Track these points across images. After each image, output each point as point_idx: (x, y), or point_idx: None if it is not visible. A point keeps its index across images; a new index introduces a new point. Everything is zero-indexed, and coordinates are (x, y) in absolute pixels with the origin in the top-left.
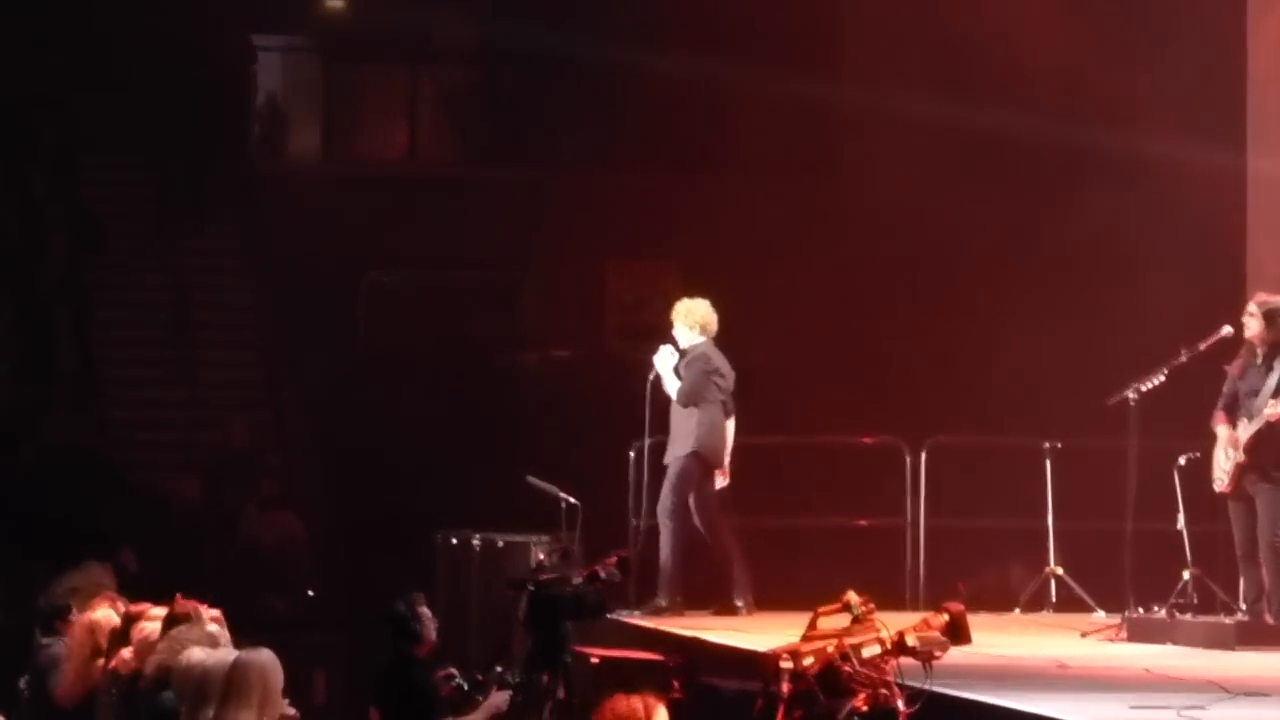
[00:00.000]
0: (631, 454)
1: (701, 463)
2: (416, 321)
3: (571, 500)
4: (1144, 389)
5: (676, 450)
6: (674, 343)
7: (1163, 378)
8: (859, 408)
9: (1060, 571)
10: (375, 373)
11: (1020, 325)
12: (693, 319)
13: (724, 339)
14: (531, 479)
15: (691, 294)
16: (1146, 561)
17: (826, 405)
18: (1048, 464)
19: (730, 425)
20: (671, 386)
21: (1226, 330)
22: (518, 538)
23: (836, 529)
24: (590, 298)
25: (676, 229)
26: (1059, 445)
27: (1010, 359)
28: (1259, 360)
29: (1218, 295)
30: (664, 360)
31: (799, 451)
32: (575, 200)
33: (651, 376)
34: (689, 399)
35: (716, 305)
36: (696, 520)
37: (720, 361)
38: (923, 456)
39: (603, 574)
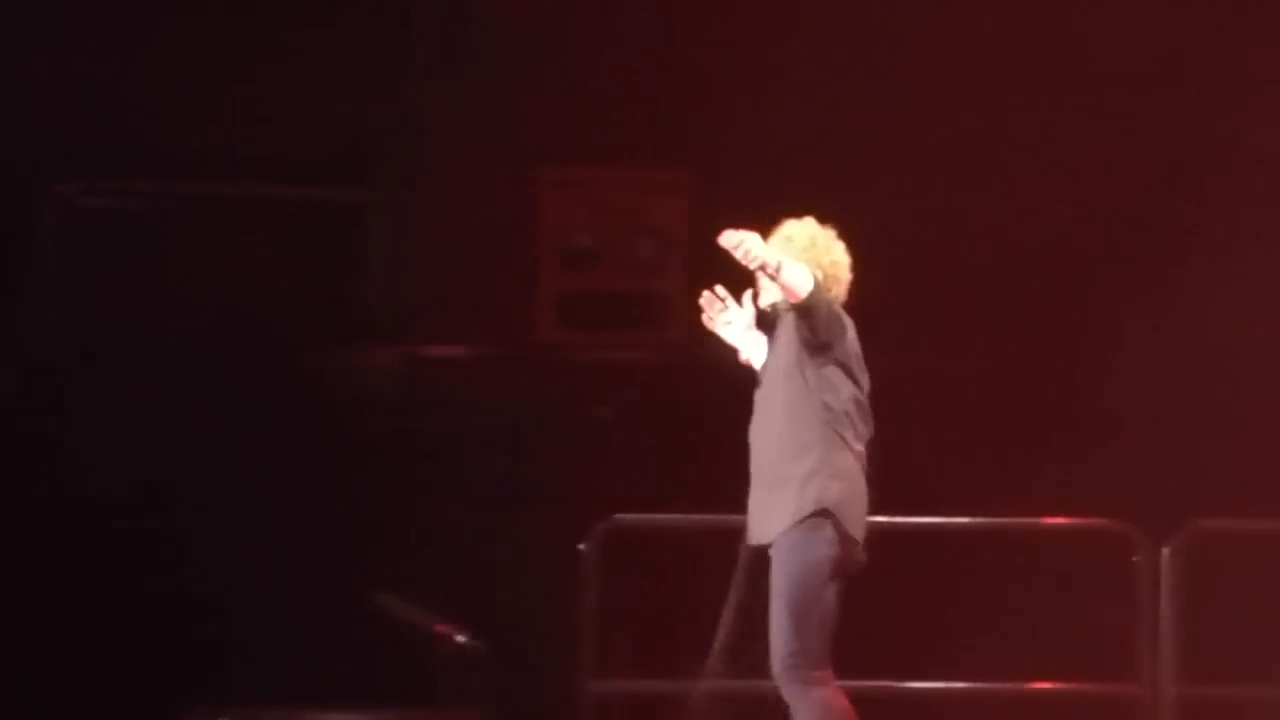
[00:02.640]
0: (582, 546)
1: (839, 534)
2: (158, 284)
3: (464, 639)
4: None
5: (786, 509)
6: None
7: None
8: (1048, 466)
9: None
10: (73, 385)
11: None
12: (818, 255)
13: None
14: (385, 600)
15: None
16: None
17: (979, 462)
18: None
19: None
20: (792, 284)
21: None
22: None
23: (1007, 698)
24: (506, 244)
25: (685, 108)
26: None
27: None
28: None
29: None
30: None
31: (930, 543)
32: (473, 49)
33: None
34: (826, 334)
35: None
36: None
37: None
38: (1163, 556)
39: None
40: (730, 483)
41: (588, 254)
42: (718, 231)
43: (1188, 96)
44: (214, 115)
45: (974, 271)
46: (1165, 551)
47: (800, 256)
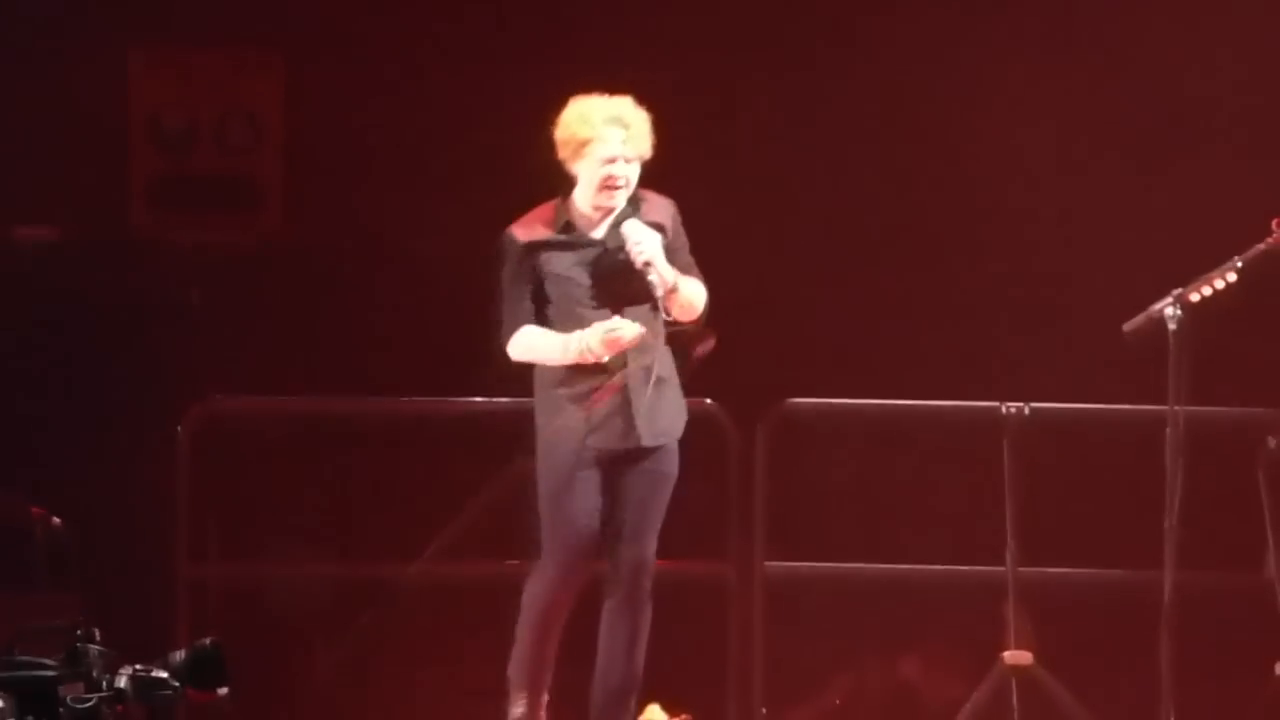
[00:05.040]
0: (180, 427)
1: None
2: None
3: (58, 521)
4: (1195, 298)
5: (673, 424)
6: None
7: (1231, 278)
8: None
9: (1029, 660)
10: None
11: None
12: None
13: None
14: None
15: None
16: (1208, 640)
17: None
18: (1005, 449)
19: None
20: (677, 284)
21: None
22: None
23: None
24: (97, 126)
25: None
26: (1026, 410)
27: (917, 242)
28: None
29: None
30: (648, 236)
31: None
32: None
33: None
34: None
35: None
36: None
37: None
38: (757, 435)
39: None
40: (325, 369)
41: (180, 136)
42: (311, 112)
43: None
44: None
45: None
46: (758, 430)
47: (643, 145)
